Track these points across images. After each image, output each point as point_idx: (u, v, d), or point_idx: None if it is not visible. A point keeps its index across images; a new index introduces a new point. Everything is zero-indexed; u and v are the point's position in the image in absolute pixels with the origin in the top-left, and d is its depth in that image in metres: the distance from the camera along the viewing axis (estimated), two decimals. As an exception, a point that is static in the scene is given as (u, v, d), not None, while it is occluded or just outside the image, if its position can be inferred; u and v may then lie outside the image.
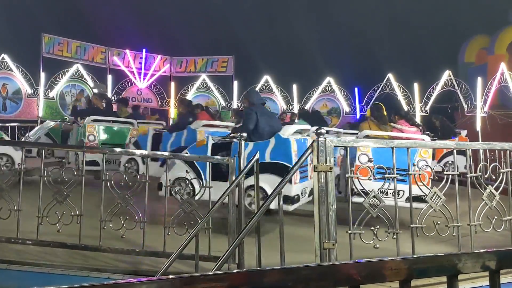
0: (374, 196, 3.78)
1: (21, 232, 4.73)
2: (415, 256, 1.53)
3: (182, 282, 1.20)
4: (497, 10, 17.10)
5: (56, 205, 4.72)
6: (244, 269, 2.74)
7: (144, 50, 18.92)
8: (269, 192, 5.63)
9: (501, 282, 1.62)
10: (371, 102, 18.53)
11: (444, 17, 19.56)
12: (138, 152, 5.86)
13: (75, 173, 4.88)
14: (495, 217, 4.26)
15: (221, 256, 3.58)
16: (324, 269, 1.39)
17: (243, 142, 4.94)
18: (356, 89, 19.08)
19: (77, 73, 17.37)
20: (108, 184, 4.77)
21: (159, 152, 5.90)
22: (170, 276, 1.22)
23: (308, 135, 7.01)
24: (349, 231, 3.69)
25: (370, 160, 4.87)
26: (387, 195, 4.32)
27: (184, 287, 1.20)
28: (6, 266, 4.45)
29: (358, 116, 18.77)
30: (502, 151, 8.57)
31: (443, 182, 4.12)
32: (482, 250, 1.62)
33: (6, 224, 4.79)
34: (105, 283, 1.20)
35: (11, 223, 4.72)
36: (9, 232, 4.78)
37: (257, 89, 19.17)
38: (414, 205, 4.06)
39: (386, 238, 3.83)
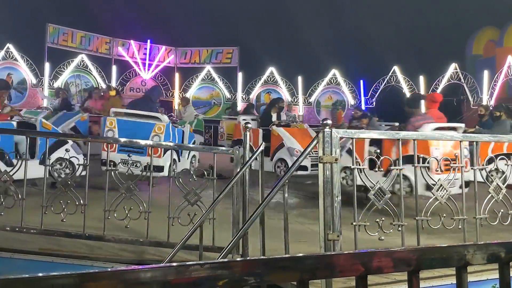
0: (379, 188, 3.76)
1: (25, 221, 4.73)
2: (424, 246, 1.51)
3: (187, 270, 1.18)
4: (507, 1, 16.89)
5: (61, 194, 4.72)
6: (249, 258, 2.72)
7: (148, 40, 18.87)
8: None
9: (511, 275, 1.59)
10: (376, 95, 18.48)
11: (452, 8, 19.36)
12: (143, 142, 5.83)
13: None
14: (502, 210, 4.23)
15: (225, 246, 3.56)
16: (331, 258, 1.36)
17: (247, 133, 4.90)
18: (361, 81, 19.00)
19: (82, 63, 17.37)
20: (113, 174, 4.77)
21: (163, 143, 5.88)
22: (175, 264, 1.20)
23: None
24: (354, 223, 3.67)
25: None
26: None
27: (189, 274, 1.18)
28: (11, 255, 4.46)
29: (363, 109, 18.70)
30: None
31: (449, 173, 4.08)
32: (491, 242, 1.59)
33: (11, 213, 4.80)
34: (109, 269, 1.18)
35: (16, 213, 4.73)
36: (13, 221, 4.79)
37: (262, 81, 19.12)
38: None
39: (391, 230, 3.81)
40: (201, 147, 6.29)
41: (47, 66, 16.51)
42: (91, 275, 1.16)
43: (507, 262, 1.58)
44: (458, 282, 1.54)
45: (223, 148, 5.50)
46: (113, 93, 11.35)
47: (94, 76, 17.60)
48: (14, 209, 4.72)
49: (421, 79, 17.76)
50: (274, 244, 4.32)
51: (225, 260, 1.36)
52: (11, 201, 4.74)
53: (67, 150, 6.60)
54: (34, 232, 4.76)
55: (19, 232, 4.76)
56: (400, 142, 3.77)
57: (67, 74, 17.04)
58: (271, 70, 19.08)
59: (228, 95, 18.95)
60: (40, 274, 1.11)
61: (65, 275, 1.12)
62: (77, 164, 4.96)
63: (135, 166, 5.74)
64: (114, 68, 18.18)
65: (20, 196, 4.72)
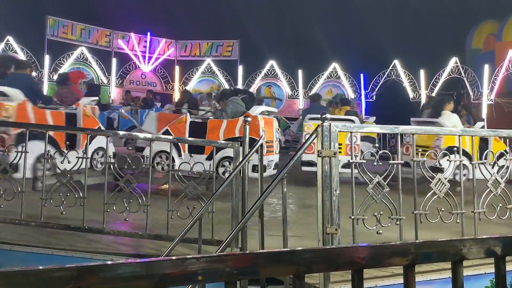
0: (378, 182, 3.77)
1: (25, 213, 4.75)
2: (419, 241, 1.52)
3: (183, 263, 1.19)
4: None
5: (60, 187, 4.74)
6: (247, 251, 2.73)
7: (148, 33, 18.82)
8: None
9: (506, 270, 1.60)
10: (376, 89, 18.45)
11: (452, 2, 19.27)
12: (142, 135, 5.84)
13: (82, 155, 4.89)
14: (500, 205, 4.25)
15: (223, 240, 3.58)
16: (328, 252, 1.38)
17: (247, 126, 4.90)
18: (361, 75, 18.96)
19: (82, 56, 17.33)
20: (112, 167, 4.78)
21: (163, 136, 5.89)
22: (173, 257, 1.21)
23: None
24: (352, 217, 3.68)
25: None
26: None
27: (186, 268, 1.19)
28: (10, 247, 4.48)
29: (363, 102, 18.70)
30: (508, 139, 8.53)
31: (447, 168, 4.10)
32: (487, 236, 1.60)
33: (11, 205, 4.81)
34: (107, 262, 1.19)
35: (15, 205, 4.74)
36: (13, 213, 4.80)
37: (262, 74, 19.10)
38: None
39: (389, 224, 3.82)
40: (201, 141, 6.29)
41: (47, 58, 16.48)
42: (90, 267, 1.17)
43: (503, 257, 1.59)
44: (454, 276, 1.56)
45: (223, 141, 5.51)
46: None
47: (94, 69, 17.58)
48: (14, 201, 4.74)
49: (422, 73, 17.73)
50: (275, 238, 4.34)
51: (221, 254, 1.37)
52: (11, 193, 4.75)
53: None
54: (34, 225, 4.78)
55: (18, 224, 4.78)
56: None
57: (67, 66, 17.01)
58: (272, 63, 19.04)
59: (228, 88, 18.94)
60: (40, 267, 1.12)
61: (64, 268, 1.13)
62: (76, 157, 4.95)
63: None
64: (114, 61, 18.15)
65: (20, 188, 4.74)
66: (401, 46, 18.81)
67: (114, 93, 17.91)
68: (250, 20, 19.79)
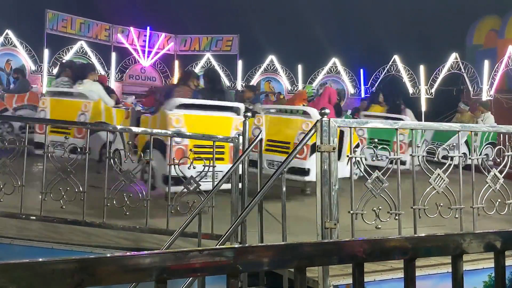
0: (377, 177, 3.77)
1: (24, 207, 4.75)
2: (420, 235, 1.52)
3: (186, 256, 1.19)
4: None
5: (59, 181, 4.73)
6: (247, 244, 2.74)
7: (148, 27, 18.75)
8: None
9: (506, 264, 1.61)
10: (376, 84, 18.45)
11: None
12: (140, 130, 5.83)
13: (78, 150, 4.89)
14: (499, 200, 4.26)
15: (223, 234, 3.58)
16: (329, 246, 1.38)
17: (247, 121, 4.91)
18: (361, 70, 18.94)
19: (81, 50, 17.28)
20: (112, 161, 4.78)
21: (162, 131, 5.87)
22: (175, 250, 1.22)
23: None
24: (351, 211, 3.69)
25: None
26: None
27: (188, 260, 1.20)
28: (10, 241, 4.48)
29: (363, 97, 18.69)
30: (507, 134, 8.54)
31: (447, 164, 4.10)
32: (487, 231, 1.61)
33: (10, 199, 4.82)
34: (108, 255, 1.19)
35: (15, 199, 4.75)
36: (12, 207, 4.80)
37: (261, 69, 19.05)
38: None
39: (388, 219, 3.83)
40: (201, 135, 6.28)
41: (46, 52, 16.41)
42: (92, 260, 1.17)
43: (502, 251, 1.60)
44: (454, 270, 1.56)
45: (221, 136, 5.51)
46: None
47: (93, 63, 17.52)
48: (13, 195, 4.74)
49: (421, 68, 17.70)
50: (273, 234, 4.35)
51: (224, 246, 1.37)
52: (11, 187, 4.75)
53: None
54: (34, 219, 4.78)
55: (18, 218, 4.78)
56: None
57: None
58: (271, 58, 19.01)
59: (227, 83, 18.90)
60: (40, 259, 1.12)
61: (65, 260, 1.14)
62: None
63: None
64: (113, 55, 18.08)
65: (19, 182, 4.74)
66: (401, 41, 18.77)
67: (114, 88, 17.85)
68: (249, 15, 19.73)
